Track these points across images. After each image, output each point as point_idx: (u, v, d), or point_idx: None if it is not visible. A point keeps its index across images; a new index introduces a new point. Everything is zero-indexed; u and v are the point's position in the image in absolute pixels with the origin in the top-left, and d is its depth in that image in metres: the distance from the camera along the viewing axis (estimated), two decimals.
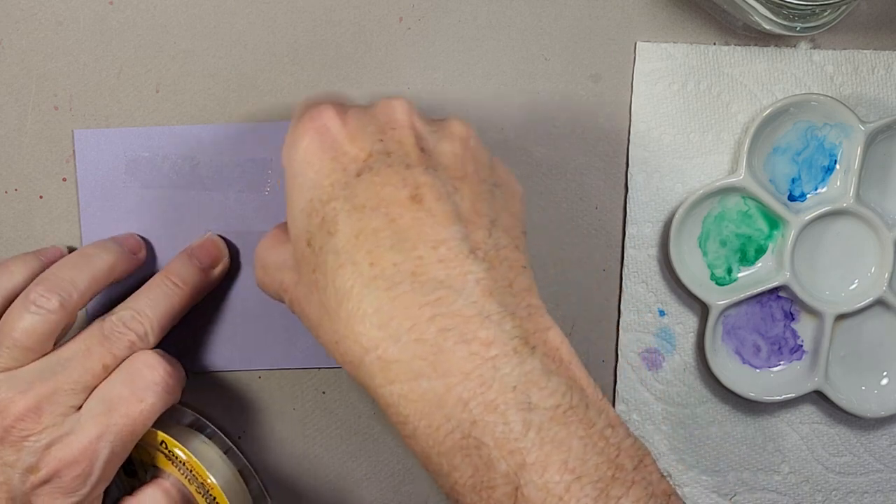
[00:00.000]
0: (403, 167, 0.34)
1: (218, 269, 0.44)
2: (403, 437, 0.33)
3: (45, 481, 0.38)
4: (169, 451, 0.42)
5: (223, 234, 0.45)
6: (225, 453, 0.44)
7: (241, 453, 0.46)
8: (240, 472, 0.45)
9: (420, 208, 0.33)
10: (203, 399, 0.46)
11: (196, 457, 0.42)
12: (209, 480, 0.42)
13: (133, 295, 0.42)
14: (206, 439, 0.44)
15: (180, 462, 0.42)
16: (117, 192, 0.45)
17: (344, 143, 0.34)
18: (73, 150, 0.45)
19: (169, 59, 0.45)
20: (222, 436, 0.46)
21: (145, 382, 0.39)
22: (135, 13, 0.44)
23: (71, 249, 0.45)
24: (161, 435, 0.42)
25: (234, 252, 0.45)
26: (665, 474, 0.32)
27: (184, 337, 0.45)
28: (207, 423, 0.45)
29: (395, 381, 0.32)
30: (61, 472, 0.38)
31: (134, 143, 0.45)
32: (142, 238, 0.45)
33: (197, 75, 0.45)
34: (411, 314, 0.31)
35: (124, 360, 0.40)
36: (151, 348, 0.41)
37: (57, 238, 0.45)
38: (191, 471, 0.42)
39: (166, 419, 0.42)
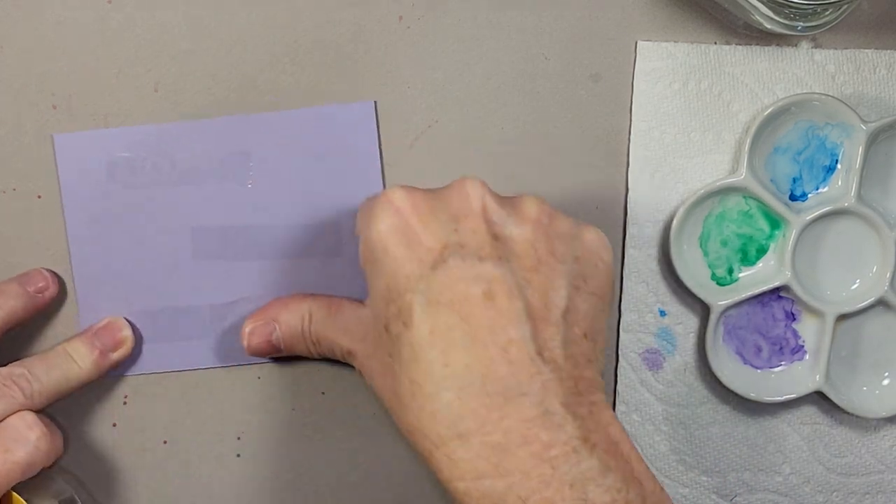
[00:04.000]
0: (477, 260, 0.34)
1: (118, 354, 0.43)
2: None
3: None
4: None
5: (207, 229, 0.45)
6: None
7: (240, 454, 0.46)
8: None
9: (492, 306, 0.34)
10: (203, 399, 0.46)
11: None
12: None
13: (30, 357, 0.41)
14: None
15: None
16: (100, 195, 0.44)
17: (419, 232, 0.35)
18: (54, 156, 0.44)
19: (169, 59, 0.45)
20: None
21: (16, 436, 0.39)
22: (135, 13, 0.44)
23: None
24: (20, 501, 0.40)
25: (224, 249, 0.45)
26: None
27: (183, 335, 0.45)
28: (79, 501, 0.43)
29: (460, 479, 0.33)
30: None
31: (114, 144, 0.44)
32: (50, 272, 0.44)
33: (197, 75, 0.45)
34: (480, 416, 0.33)
35: (3, 416, 0.39)
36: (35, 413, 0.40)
37: (55, 237, 0.45)
38: None
39: (40, 490, 0.41)
